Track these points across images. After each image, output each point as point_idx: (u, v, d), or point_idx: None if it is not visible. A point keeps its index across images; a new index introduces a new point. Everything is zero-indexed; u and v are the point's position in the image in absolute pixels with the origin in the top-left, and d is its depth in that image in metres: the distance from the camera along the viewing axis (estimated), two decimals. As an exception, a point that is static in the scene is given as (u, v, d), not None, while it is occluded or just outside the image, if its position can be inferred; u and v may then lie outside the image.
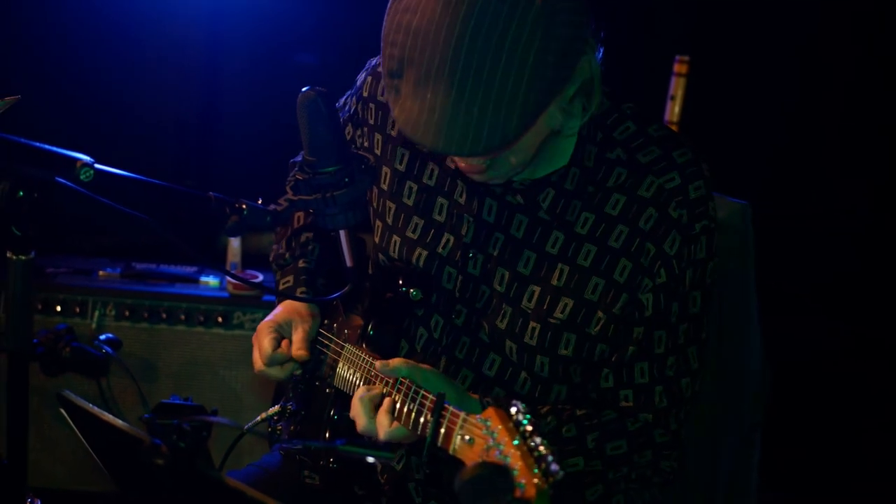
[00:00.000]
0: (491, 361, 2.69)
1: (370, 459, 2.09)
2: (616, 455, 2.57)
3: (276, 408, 2.96)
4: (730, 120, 4.96)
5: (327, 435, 2.77)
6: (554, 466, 2.00)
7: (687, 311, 2.58)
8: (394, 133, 2.78)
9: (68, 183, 2.11)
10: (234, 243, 4.56)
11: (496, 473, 1.89)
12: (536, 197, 2.60)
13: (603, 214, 2.56)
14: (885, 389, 4.86)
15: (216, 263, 4.49)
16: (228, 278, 4.45)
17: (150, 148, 4.85)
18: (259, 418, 2.93)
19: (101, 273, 4.52)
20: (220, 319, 4.41)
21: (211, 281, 4.53)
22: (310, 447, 2.75)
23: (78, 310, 4.37)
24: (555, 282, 2.59)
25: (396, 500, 2.79)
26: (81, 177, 2.10)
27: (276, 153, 4.16)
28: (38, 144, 2.11)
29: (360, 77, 2.89)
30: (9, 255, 2.13)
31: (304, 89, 2.33)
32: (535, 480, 1.99)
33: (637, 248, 2.54)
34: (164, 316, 4.40)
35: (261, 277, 4.45)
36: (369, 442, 2.40)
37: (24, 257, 2.13)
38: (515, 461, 2.03)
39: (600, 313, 2.57)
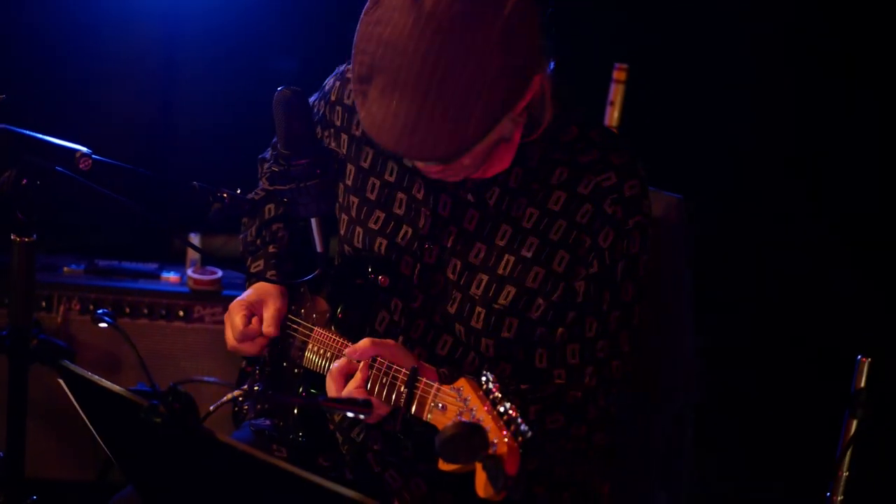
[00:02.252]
0: (443, 342, 2.87)
1: (349, 414, 2.29)
2: (554, 428, 2.73)
3: (242, 389, 3.13)
4: (666, 123, 5.10)
5: (295, 411, 2.95)
6: (524, 427, 2.20)
7: (619, 299, 2.76)
8: (358, 133, 2.94)
9: (68, 172, 2.30)
10: (194, 241, 4.71)
11: (472, 432, 2.08)
12: (484, 195, 2.79)
13: (546, 210, 2.75)
14: (808, 378, 5.04)
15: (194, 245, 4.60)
16: (189, 274, 4.61)
17: (109, 145, 4.97)
18: (225, 398, 3.09)
19: (66, 269, 4.64)
20: (181, 313, 4.55)
21: (172, 277, 4.66)
22: (288, 403, 2.92)
23: (44, 304, 4.49)
24: (500, 271, 2.77)
25: (357, 470, 2.95)
26: (80, 166, 2.29)
27: (233, 151, 4.29)
28: (41, 136, 2.29)
29: (329, 82, 3.05)
30: (13, 237, 2.32)
31: (279, 88, 2.51)
32: (506, 439, 2.19)
33: (574, 241, 2.73)
34: (127, 310, 4.53)
35: (220, 273, 4.61)
36: (348, 399, 2.59)
37: (27, 239, 2.32)
38: (488, 423, 2.23)
39: (540, 300, 2.76)
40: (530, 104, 2.62)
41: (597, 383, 2.78)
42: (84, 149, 2.30)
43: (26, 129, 2.34)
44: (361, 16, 2.56)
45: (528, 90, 2.56)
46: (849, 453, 2.93)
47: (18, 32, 4.91)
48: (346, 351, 2.70)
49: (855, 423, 2.90)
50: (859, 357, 2.89)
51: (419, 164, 2.72)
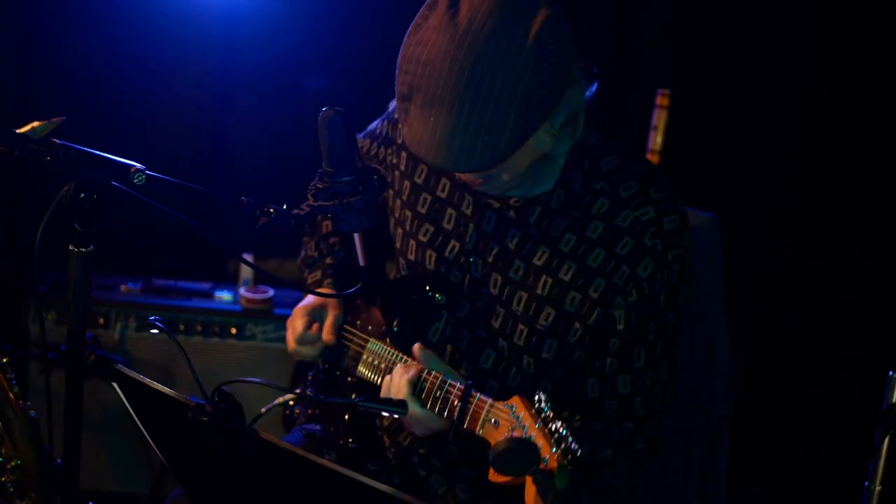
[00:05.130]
0: (487, 355, 2.96)
1: (385, 413, 2.40)
2: (602, 461, 2.81)
3: (294, 392, 3.25)
4: (708, 147, 5.18)
5: (346, 417, 3.06)
6: (574, 445, 2.31)
7: (663, 329, 2.84)
8: None
9: (123, 186, 2.43)
10: (248, 259, 4.83)
11: (524, 447, 2.22)
12: (526, 213, 2.90)
13: (584, 237, 2.84)
14: (840, 392, 5.07)
15: (240, 256, 4.68)
16: (242, 293, 4.74)
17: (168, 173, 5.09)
18: (277, 401, 3.20)
19: (123, 288, 4.77)
20: (233, 331, 4.67)
21: (225, 296, 4.79)
22: (325, 403, 3.01)
23: (102, 321, 4.62)
24: (539, 290, 2.86)
25: (404, 474, 3.05)
26: (135, 181, 2.42)
27: (284, 182, 4.41)
28: (98, 153, 2.42)
29: (392, 104, 3.19)
30: (71, 247, 2.44)
31: (324, 109, 2.63)
32: (557, 456, 2.30)
33: (612, 269, 2.80)
34: (181, 328, 4.65)
35: (271, 293, 4.74)
36: (384, 399, 2.71)
37: (84, 249, 2.45)
38: (539, 439, 2.35)
39: (577, 324, 2.84)
40: (568, 120, 2.73)
41: (645, 412, 2.86)
42: (138, 164, 2.42)
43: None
44: (404, 39, 2.72)
45: (562, 104, 2.68)
46: (881, 467, 2.98)
47: (83, 67, 5.06)
48: (415, 348, 2.83)
49: (888, 438, 2.95)
50: (891, 373, 2.94)
51: (462, 176, 2.85)
